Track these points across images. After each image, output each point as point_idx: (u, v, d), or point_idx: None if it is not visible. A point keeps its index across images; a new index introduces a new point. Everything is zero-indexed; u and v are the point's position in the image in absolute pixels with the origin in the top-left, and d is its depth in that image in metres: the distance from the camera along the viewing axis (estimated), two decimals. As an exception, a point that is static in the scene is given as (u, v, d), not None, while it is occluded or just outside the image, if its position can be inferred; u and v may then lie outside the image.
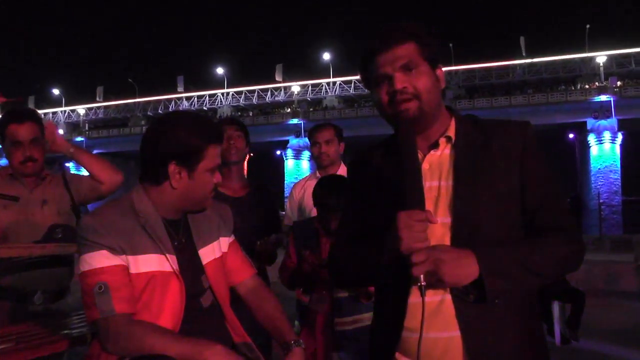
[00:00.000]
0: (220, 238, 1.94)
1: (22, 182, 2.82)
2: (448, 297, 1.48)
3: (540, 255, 1.45)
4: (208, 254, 1.85)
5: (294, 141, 47.51)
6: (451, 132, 1.61)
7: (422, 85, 1.53)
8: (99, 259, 1.62)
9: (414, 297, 1.51)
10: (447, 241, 1.50)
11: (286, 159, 47.69)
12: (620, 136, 39.69)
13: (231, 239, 2.01)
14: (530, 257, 1.44)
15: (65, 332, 2.33)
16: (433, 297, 1.47)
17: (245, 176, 3.27)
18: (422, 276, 1.38)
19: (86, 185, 2.94)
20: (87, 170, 2.91)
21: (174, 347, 1.54)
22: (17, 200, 2.77)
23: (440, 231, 1.51)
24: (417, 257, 1.37)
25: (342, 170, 3.56)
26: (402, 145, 1.47)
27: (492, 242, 1.47)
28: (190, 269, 1.78)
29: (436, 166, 1.58)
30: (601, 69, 43.93)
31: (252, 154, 3.18)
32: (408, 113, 1.52)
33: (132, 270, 1.65)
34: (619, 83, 41.77)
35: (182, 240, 1.79)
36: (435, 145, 1.60)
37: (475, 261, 1.39)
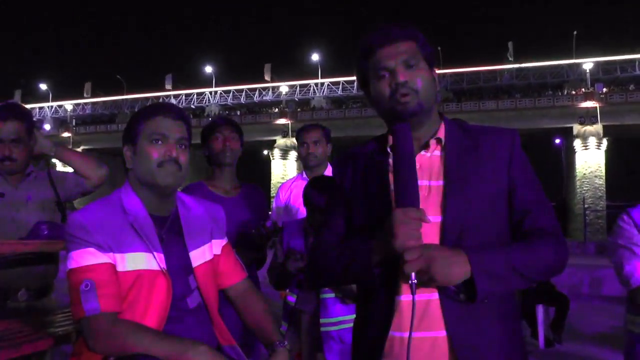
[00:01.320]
0: (213, 240, 1.93)
1: (6, 179, 2.79)
2: (435, 296, 1.49)
3: (528, 259, 1.47)
4: (199, 256, 1.84)
5: (280, 141, 47.39)
6: (441, 134, 1.63)
7: (422, 82, 1.56)
8: (86, 257, 1.61)
9: (403, 296, 1.52)
10: (436, 240, 1.51)
11: (273, 159, 47.55)
12: (605, 142, 40.06)
13: (224, 241, 2.00)
14: (519, 260, 1.45)
15: (49, 330, 2.30)
16: (420, 296, 1.47)
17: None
18: (413, 274, 1.39)
19: (71, 181, 2.94)
20: (72, 168, 2.92)
21: (158, 347, 1.53)
22: (3, 197, 2.75)
23: (429, 230, 1.50)
24: (410, 254, 1.38)
25: (329, 171, 3.56)
26: (399, 141, 1.48)
27: (481, 242, 1.49)
28: (178, 268, 1.77)
29: (426, 167, 1.60)
30: (588, 75, 44.25)
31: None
32: (409, 106, 1.54)
33: (120, 269, 1.65)
34: (605, 89, 42.09)
35: (162, 237, 1.76)
36: (425, 146, 1.62)
37: (466, 261, 1.40)
